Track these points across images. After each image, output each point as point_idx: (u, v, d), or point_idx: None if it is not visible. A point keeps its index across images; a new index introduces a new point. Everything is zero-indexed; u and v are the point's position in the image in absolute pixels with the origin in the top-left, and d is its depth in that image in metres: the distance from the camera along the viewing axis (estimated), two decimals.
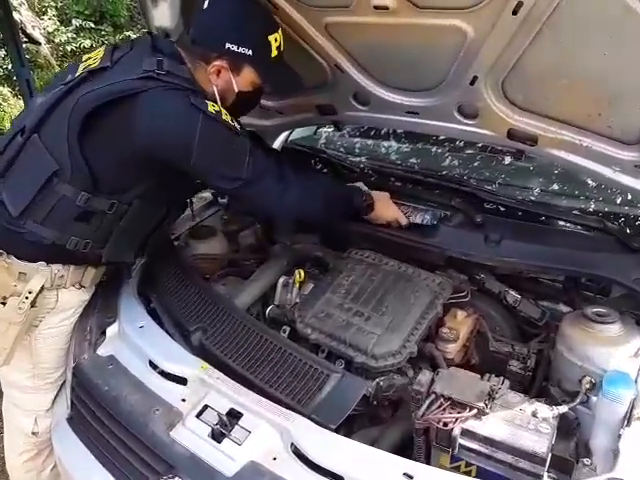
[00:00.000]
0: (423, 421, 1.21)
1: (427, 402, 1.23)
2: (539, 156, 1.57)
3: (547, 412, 1.22)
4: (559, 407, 1.24)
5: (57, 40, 8.35)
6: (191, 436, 1.23)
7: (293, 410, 1.26)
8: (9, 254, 1.45)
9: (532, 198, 1.77)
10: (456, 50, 1.36)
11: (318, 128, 2.60)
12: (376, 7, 1.34)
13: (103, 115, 1.33)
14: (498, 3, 1.17)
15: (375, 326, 1.45)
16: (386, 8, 1.32)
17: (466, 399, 1.21)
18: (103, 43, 8.74)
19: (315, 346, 1.52)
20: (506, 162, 1.98)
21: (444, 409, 1.22)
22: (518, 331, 1.71)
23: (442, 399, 1.23)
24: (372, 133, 2.46)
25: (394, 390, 1.42)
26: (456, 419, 1.19)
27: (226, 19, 1.40)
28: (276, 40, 1.43)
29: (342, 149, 2.38)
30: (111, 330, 1.57)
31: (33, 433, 1.68)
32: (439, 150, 2.24)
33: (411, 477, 1.07)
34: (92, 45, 8.52)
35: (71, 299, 1.57)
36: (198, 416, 1.26)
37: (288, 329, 1.61)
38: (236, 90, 1.48)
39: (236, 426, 1.23)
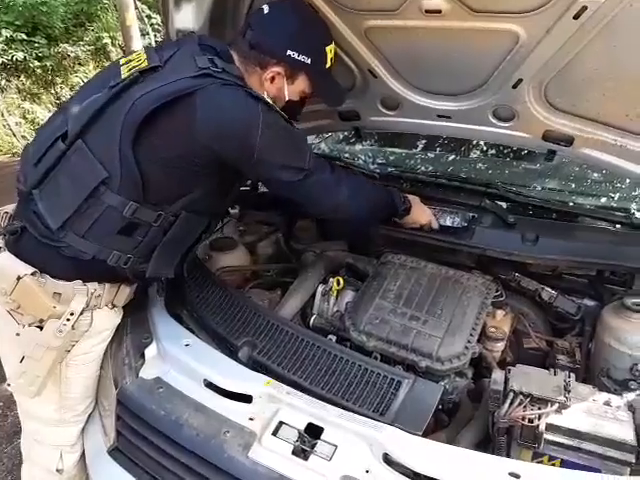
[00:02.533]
0: (507, 420, 1.21)
1: (508, 400, 1.23)
2: (572, 156, 1.62)
3: (618, 400, 1.26)
4: (627, 395, 1.28)
5: None
6: (272, 456, 1.15)
7: (372, 420, 1.22)
8: (42, 272, 1.32)
9: (555, 198, 1.83)
10: (504, 53, 1.40)
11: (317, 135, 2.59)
12: (428, 11, 1.35)
13: (159, 117, 1.25)
14: (560, 7, 1.21)
15: (435, 329, 1.44)
16: (438, 12, 1.34)
17: (546, 394, 1.22)
18: (37, 56, 8.31)
19: (365, 352, 1.49)
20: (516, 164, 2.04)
21: (525, 406, 1.23)
22: (550, 326, 1.75)
23: (522, 396, 1.23)
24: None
25: (457, 393, 1.41)
26: (540, 415, 1.20)
27: (290, 26, 1.39)
28: (331, 52, 1.45)
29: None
30: (150, 351, 1.46)
31: (57, 470, 1.52)
32: (436, 153, 2.29)
33: (518, 476, 1.06)
34: (25, 57, 8.07)
35: (105, 321, 1.45)
36: (274, 434, 1.19)
37: (334, 338, 1.56)
38: (286, 98, 1.45)
39: (319, 441, 1.17)
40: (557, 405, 1.21)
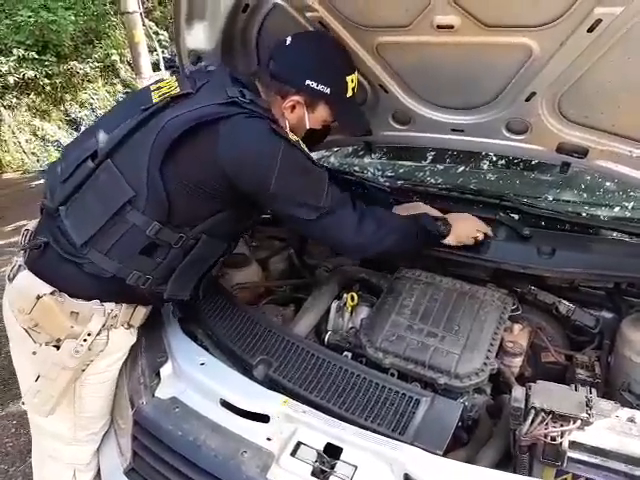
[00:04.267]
0: (529, 438, 1.19)
1: (529, 418, 1.20)
2: (586, 168, 1.61)
3: None
4: None
5: None
6: (291, 477, 1.14)
7: (391, 439, 1.20)
8: (61, 291, 1.32)
9: (569, 209, 1.82)
10: (517, 67, 1.40)
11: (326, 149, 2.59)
12: (440, 27, 1.35)
13: (186, 141, 1.26)
14: (574, 20, 1.21)
15: (453, 345, 1.42)
16: (451, 27, 1.34)
17: (568, 411, 1.20)
18: (47, 74, 8.45)
19: (382, 369, 1.47)
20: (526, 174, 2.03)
21: (547, 423, 1.20)
22: (568, 340, 1.73)
23: (543, 413, 1.21)
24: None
25: (476, 410, 1.39)
26: (562, 432, 1.18)
27: (309, 57, 1.42)
28: (352, 81, 1.46)
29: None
30: (166, 370, 1.46)
31: None
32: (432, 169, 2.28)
33: None
34: (36, 76, 8.21)
35: (121, 340, 1.45)
36: (293, 454, 1.18)
37: (350, 355, 1.55)
38: (307, 127, 1.47)
39: (338, 462, 1.16)
40: (580, 422, 1.18)
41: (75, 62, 9.01)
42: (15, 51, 8.01)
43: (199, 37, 1.66)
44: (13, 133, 8.15)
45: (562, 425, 1.19)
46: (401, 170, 2.34)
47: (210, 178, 1.31)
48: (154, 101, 1.35)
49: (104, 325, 1.37)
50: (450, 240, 1.61)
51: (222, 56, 1.72)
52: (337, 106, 1.47)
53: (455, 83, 1.55)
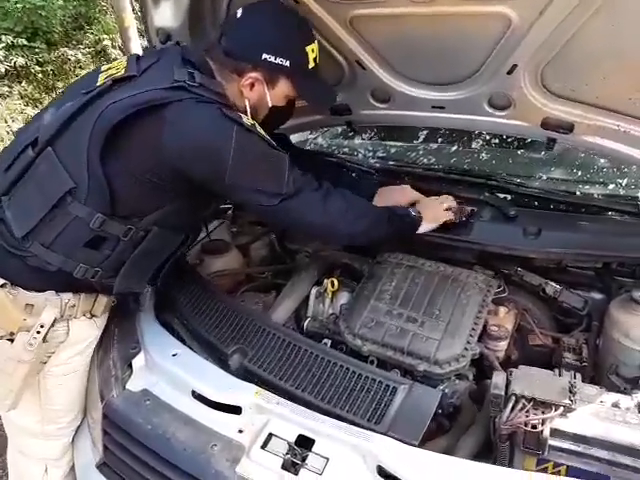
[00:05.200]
0: (509, 426, 1.14)
1: (509, 405, 1.16)
2: (573, 144, 1.55)
3: (628, 401, 1.19)
4: (637, 395, 1.21)
5: None
6: (261, 470, 1.10)
7: (366, 429, 1.16)
8: (13, 284, 1.27)
9: (560, 187, 1.75)
10: (497, 38, 1.33)
11: (310, 133, 2.53)
12: None
13: (128, 128, 1.19)
14: None
15: (432, 331, 1.38)
16: None
17: (550, 397, 1.15)
18: (38, 61, 8.32)
19: (361, 357, 1.43)
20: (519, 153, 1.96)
21: (527, 410, 1.16)
22: (555, 322, 1.68)
23: (524, 400, 1.17)
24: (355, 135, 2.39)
25: (458, 396, 1.34)
26: (544, 420, 1.13)
27: (263, 28, 1.31)
28: (313, 51, 1.35)
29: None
30: (138, 361, 1.41)
31: None
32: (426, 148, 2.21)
33: None
34: (26, 63, 8.07)
35: (83, 331, 1.40)
36: (264, 447, 1.14)
37: (329, 342, 1.50)
38: (269, 105, 1.38)
39: (310, 454, 1.12)
40: (562, 409, 1.14)
41: (66, 48, 8.84)
42: (4, 38, 7.87)
43: (166, 14, 1.58)
44: (5, 122, 8.05)
45: (544, 412, 1.15)
46: (390, 150, 2.27)
47: (157, 168, 1.23)
48: (98, 84, 1.27)
49: (62, 316, 1.32)
50: (424, 227, 1.55)
51: (191, 33, 1.64)
52: (299, 79, 1.36)
53: (434, 57, 1.48)
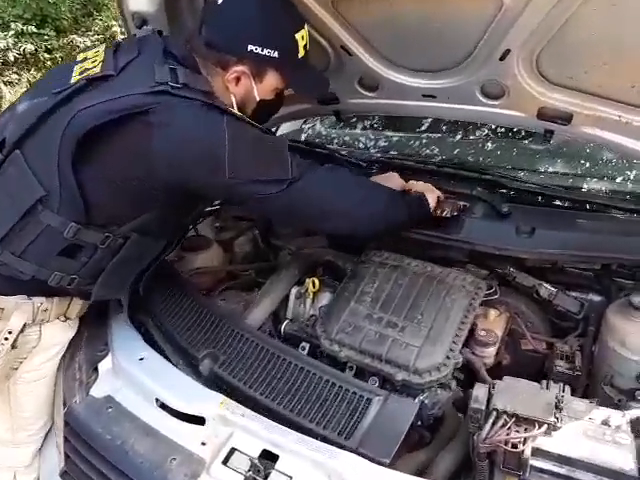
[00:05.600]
0: (488, 444, 1.06)
1: (489, 422, 1.07)
2: (572, 136, 1.44)
3: (619, 418, 1.09)
4: (630, 411, 1.11)
5: None
6: None
7: (335, 445, 1.08)
8: None
9: (558, 182, 1.64)
10: (488, 21, 1.21)
11: (305, 122, 2.43)
12: None
13: (106, 134, 1.10)
14: None
15: (413, 337, 1.29)
16: None
17: (533, 414, 1.06)
18: (47, 48, 8.26)
19: (340, 363, 1.35)
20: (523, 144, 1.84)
21: (509, 427, 1.07)
22: (550, 325, 1.58)
23: (506, 416, 1.08)
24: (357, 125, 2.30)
25: (439, 407, 1.26)
26: (525, 438, 1.05)
27: (247, 16, 1.19)
28: (303, 38, 1.24)
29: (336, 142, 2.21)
30: (104, 365, 1.35)
31: None
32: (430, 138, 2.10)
33: None
34: (35, 50, 8.02)
35: (56, 335, 1.34)
36: (225, 462, 1.08)
37: (307, 346, 1.43)
38: (257, 99, 1.28)
39: (273, 471, 1.05)
40: (546, 426, 1.05)
41: (75, 35, 8.76)
42: (13, 25, 7.82)
43: None
44: None
45: (526, 430, 1.06)
46: (381, 142, 2.16)
47: (142, 175, 1.15)
48: (72, 80, 1.17)
49: (33, 320, 1.25)
50: (432, 203, 1.45)
51: (169, 19, 1.55)
52: (289, 71, 1.27)
53: (422, 42, 1.37)
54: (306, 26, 1.27)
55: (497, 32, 1.23)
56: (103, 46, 1.29)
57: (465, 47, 1.32)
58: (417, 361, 1.24)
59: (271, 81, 1.28)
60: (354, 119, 2.29)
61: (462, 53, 1.33)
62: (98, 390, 1.29)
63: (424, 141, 2.09)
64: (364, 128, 2.31)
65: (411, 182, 1.51)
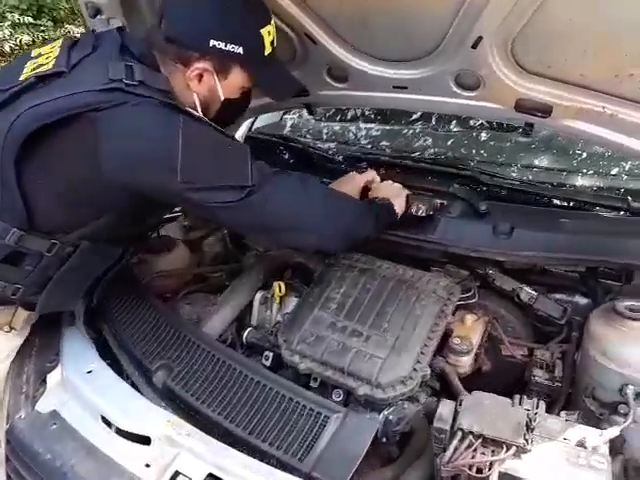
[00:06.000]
0: (451, 467, 0.98)
1: (453, 443, 0.99)
2: (552, 129, 1.34)
3: (596, 438, 1.01)
4: (608, 430, 1.02)
5: None
6: None
7: (288, 467, 1.01)
8: None
9: (543, 178, 1.54)
10: (457, 6, 1.11)
11: (284, 113, 2.33)
12: None
13: (52, 134, 1.02)
14: None
15: (377, 347, 1.20)
16: None
17: (501, 435, 0.98)
18: (43, 39, 8.13)
19: (304, 374, 1.27)
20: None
21: (475, 449, 0.99)
22: (533, 330, 1.50)
23: (471, 437, 1.00)
24: (344, 116, 2.21)
25: (406, 422, 1.17)
26: (492, 462, 0.96)
27: (209, 9, 1.10)
28: (270, 34, 1.15)
29: (311, 135, 2.10)
30: (53, 378, 1.28)
31: None
32: (420, 129, 2.00)
33: None
34: (32, 41, 7.90)
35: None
36: None
37: (271, 355, 1.34)
38: (222, 98, 1.19)
39: None
40: (514, 449, 0.97)
41: (72, 26, 8.63)
42: (9, 16, 7.70)
43: None
44: None
45: (493, 452, 0.98)
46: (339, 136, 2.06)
47: (88, 178, 1.07)
48: (22, 77, 1.09)
49: None
50: (398, 211, 1.38)
51: (124, 10, 1.45)
52: (255, 68, 1.18)
53: (389, 30, 1.27)
54: (273, 22, 1.17)
55: (467, 18, 1.12)
56: (60, 41, 1.20)
57: (435, 35, 1.22)
58: (380, 374, 1.15)
59: (236, 79, 1.19)
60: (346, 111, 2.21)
61: (432, 41, 1.23)
62: (44, 404, 1.22)
63: (417, 130, 1.99)
64: (351, 119, 2.22)
65: (375, 185, 1.42)
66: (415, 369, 1.17)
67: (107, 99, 1.02)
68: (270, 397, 1.13)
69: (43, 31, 8.12)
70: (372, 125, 2.15)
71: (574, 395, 1.30)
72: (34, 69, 1.10)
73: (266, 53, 1.17)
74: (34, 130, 1.01)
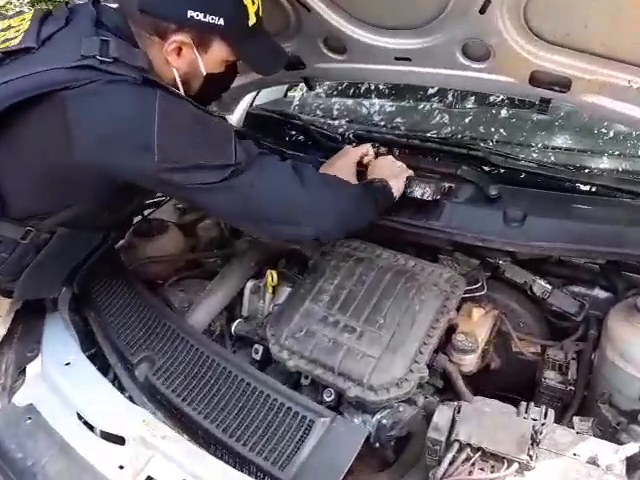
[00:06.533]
0: None
1: (448, 456, 0.90)
2: (571, 105, 1.20)
3: (611, 455, 0.90)
4: (625, 447, 0.92)
5: None
6: None
7: (268, 476, 0.93)
8: None
9: (562, 160, 1.41)
10: None
11: (289, 89, 2.22)
12: None
13: (20, 115, 0.95)
14: None
15: (371, 345, 1.11)
16: None
17: (502, 449, 0.88)
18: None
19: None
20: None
21: (472, 464, 0.90)
22: (547, 325, 1.38)
23: (469, 450, 0.90)
24: (354, 90, 2.09)
25: (401, 426, 1.08)
26: None
27: None
28: (253, 3, 1.05)
29: (321, 111, 1.99)
30: (32, 368, 1.22)
31: None
32: (436, 106, 1.86)
33: None
34: None
35: None
36: None
37: (261, 349, 1.26)
38: (204, 73, 1.10)
39: None
40: (517, 465, 0.87)
41: None
42: None
43: None
44: None
45: (493, 468, 0.89)
46: (347, 112, 1.93)
47: (60, 160, 0.99)
48: None
49: None
50: (396, 193, 1.27)
51: None
52: (238, 40, 1.08)
53: None
54: None
55: None
56: (32, 13, 1.11)
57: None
58: (373, 375, 1.06)
59: (218, 52, 1.09)
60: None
61: (435, 6, 1.10)
62: (22, 397, 1.16)
63: (433, 107, 1.85)
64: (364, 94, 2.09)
65: (373, 161, 1.33)
66: (411, 370, 1.07)
67: (78, 77, 0.94)
68: (254, 397, 1.06)
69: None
70: (385, 101, 2.03)
71: (589, 399, 1.19)
72: (2, 42, 1.02)
73: (250, 24, 1.06)
74: (2, 110, 0.93)
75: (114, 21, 1.04)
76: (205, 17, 1.01)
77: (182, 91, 1.09)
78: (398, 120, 1.80)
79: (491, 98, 1.79)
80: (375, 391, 1.05)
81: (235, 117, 1.95)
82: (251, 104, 1.98)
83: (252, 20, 1.06)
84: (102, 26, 1.02)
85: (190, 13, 1.00)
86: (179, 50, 1.06)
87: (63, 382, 1.14)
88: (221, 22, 1.02)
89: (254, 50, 1.12)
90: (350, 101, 2.09)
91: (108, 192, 1.09)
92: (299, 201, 1.10)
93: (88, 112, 0.95)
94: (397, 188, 1.27)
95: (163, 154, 0.96)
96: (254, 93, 1.97)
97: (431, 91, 1.96)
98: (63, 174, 1.02)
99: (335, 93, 2.17)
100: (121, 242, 1.56)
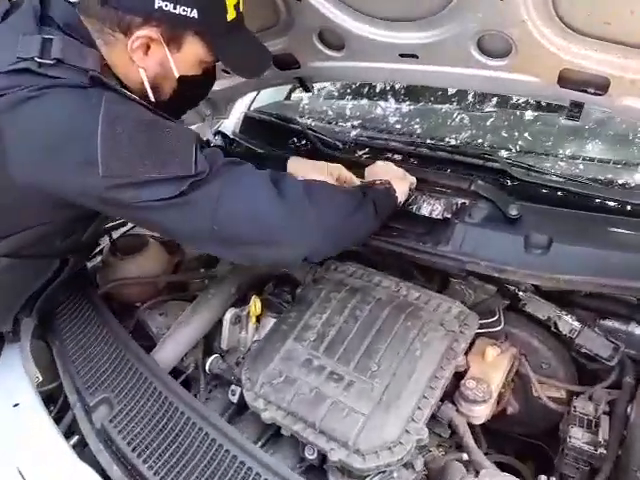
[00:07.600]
0: None
1: None
2: (609, 110, 1.00)
3: None
4: None
5: None
6: None
7: None
8: None
9: (594, 174, 1.21)
10: None
11: (291, 91, 2.05)
12: None
13: None
14: None
15: (360, 399, 0.93)
16: None
17: None
18: None
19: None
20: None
21: None
22: (574, 367, 1.18)
23: None
24: (367, 91, 1.92)
25: None
26: None
27: None
28: None
29: (333, 112, 1.82)
30: None
31: None
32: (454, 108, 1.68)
33: None
34: None
35: None
36: None
37: (238, 391, 1.09)
38: (176, 75, 0.94)
39: None
40: None
41: None
42: None
43: None
44: None
45: None
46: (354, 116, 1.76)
47: (3, 187, 0.86)
48: None
49: None
50: (400, 196, 1.13)
51: None
52: (214, 37, 0.93)
53: None
54: None
55: None
56: None
57: None
58: (360, 436, 0.88)
59: (193, 51, 0.94)
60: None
61: None
62: None
63: (452, 109, 1.67)
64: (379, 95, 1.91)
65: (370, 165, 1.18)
66: (407, 431, 0.89)
67: (11, 84, 0.80)
68: (219, 456, 0.90)
69: None
70: (399, 104, 1.85)
71: (623, 464, 0.99)
72: None
73: (229, 19, 0.92)
74: None
75: (64, 17, 0.88)
76: (175, 8, 0.85)
77: (151, 96, 0.94)
78: (416, 122, 1.63)
79: (514, 99, 1.61)
80: (363, 456, 0.87)
81: (231, 121, 1.80)
82: (249, 106, 1.83)
83: (231, 15, 0.91)
84: (50, 23, 0.87)
85: (158, 3, 0.85)
86: (147, 47, 0.90)
87: (7, 427, 1.00)
88: (194, 14, 0.87)
89: (233, 49, 0.96)
90: (362, 102, 1.92)
91: (56, 215, 0.94)
92: (276, 217, 0.92)
93: (20, 123, 0.81)
94: (401, 191, 1.12)
95: (108, 168, 0.81)
96: (254, 94, 1.82)
97: (451, 91, 1.79)
98: (4, 198, 0.88)
99: (347, 92, 2.00)
100: (96, 261, 1.41)
